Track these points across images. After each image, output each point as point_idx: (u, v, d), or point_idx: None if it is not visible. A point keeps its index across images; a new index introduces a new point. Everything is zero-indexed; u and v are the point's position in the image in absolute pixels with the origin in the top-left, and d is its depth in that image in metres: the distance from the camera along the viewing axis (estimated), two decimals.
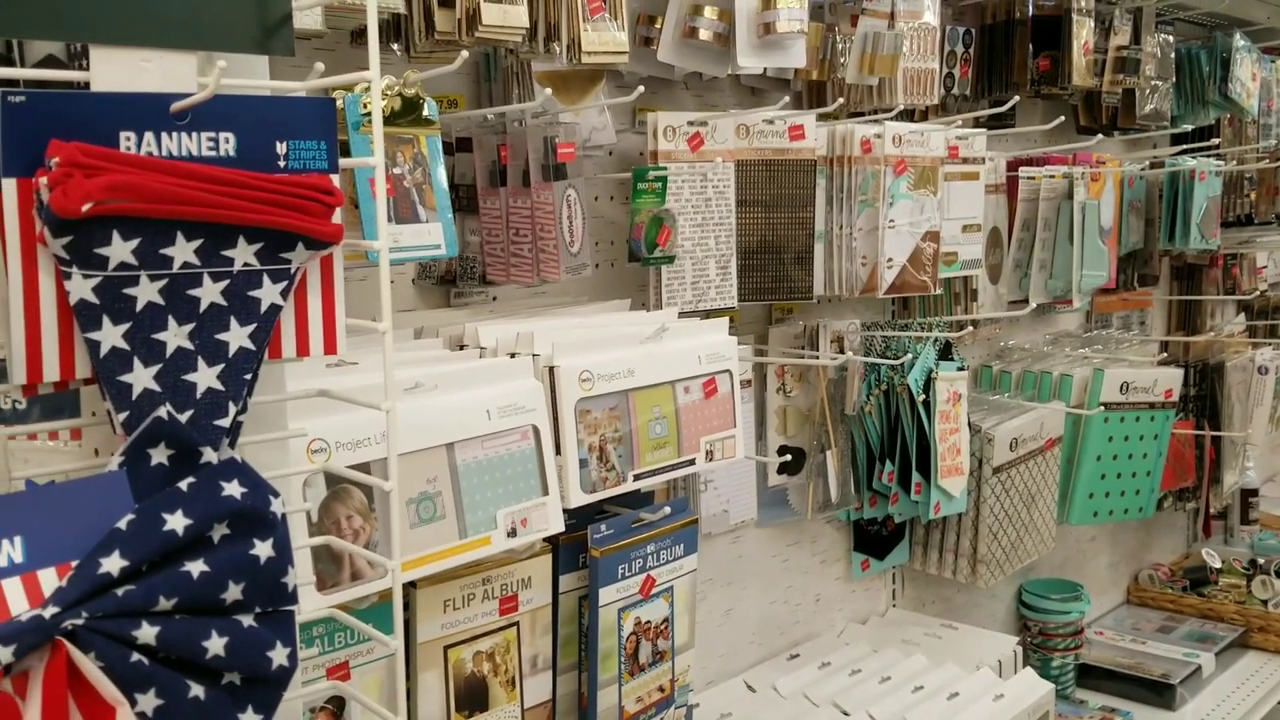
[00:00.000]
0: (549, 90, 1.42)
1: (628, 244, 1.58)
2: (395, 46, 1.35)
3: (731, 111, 1.69)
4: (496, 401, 1.25)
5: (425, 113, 1.31)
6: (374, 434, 1.13)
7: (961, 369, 2.20)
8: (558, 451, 1.33)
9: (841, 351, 2.11)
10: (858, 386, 2.12)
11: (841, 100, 1.76)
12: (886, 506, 2.21)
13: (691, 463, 1.48)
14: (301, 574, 1.06)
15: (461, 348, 1.41)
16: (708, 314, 1.68)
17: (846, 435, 2.16)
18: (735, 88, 1.95)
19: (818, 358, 2.01)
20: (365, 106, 1.24)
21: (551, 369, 1.34)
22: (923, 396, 2.11)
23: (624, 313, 1.62)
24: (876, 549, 2.39)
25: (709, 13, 1.60)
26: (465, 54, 1.23)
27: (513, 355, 1.36)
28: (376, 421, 1.14)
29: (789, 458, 2.07)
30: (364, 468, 1.12)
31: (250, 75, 0.94)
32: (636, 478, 1.41)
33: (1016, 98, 2.08)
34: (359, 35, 1.37)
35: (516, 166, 1.50)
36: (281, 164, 0.85)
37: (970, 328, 2.17)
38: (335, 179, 0.87)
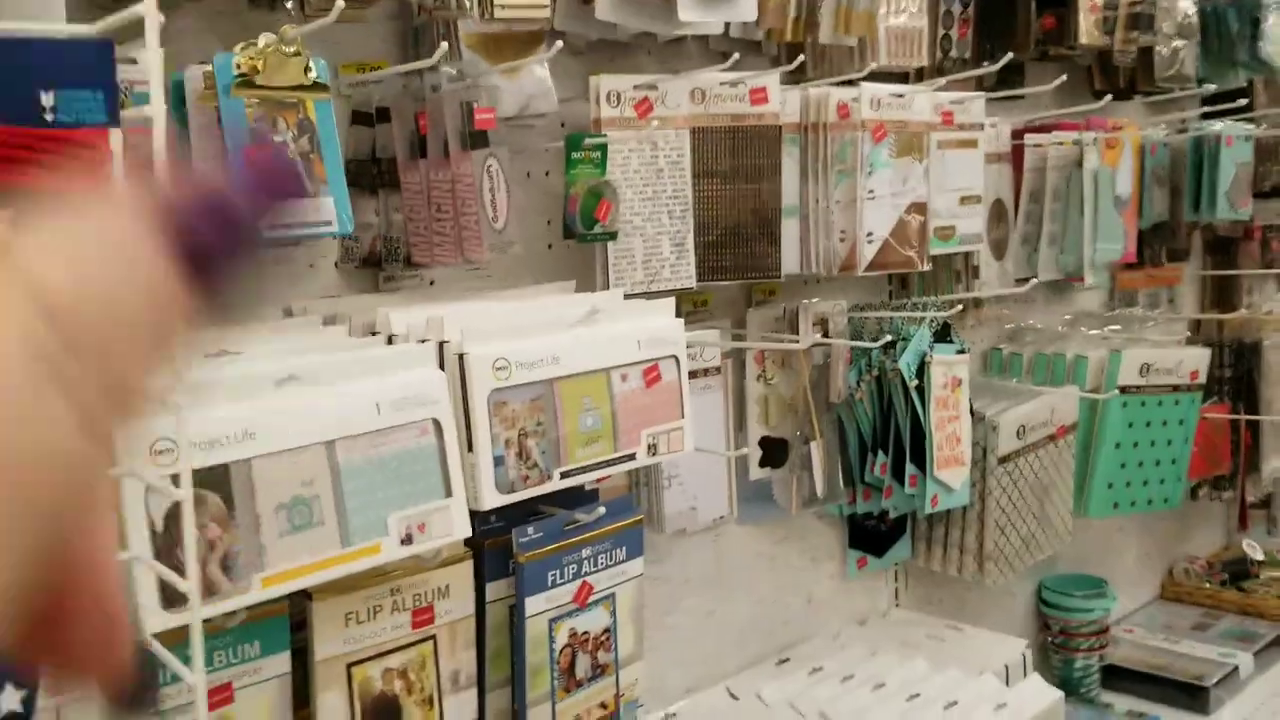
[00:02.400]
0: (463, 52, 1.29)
1: (564, 220, 1.44)
2: (289, 3, 1.23)
3: (683, 74, 1.55)
4: (389, 394, 1.12)
5: (312, 74, 1.18)
6: (234, 432, 1.01)
7: (962, 351, 2.04)
8: (470, 448, 1.20)
9: (826, 335, 1.96)
10: (843, 373, 1.97)
11: (802, 58, 1.60)
12: (880, 500, 2.06)
13: (631, 458, 1.34)
14: (145, 592, 0.94)
15: (374, 334, 1.29)
16: (661, 296, 1.54)
17: (834, 425, 2.01)
18: (705, 52, 1.80)
19: (797, 342, 1.86)
20: (240, 67, 1.12)
21: (461, 356, 1.21)
22: (915, 382, 1.96)
23: (564, 295, 1.49)
24: (874, 545, 2.24)
25: None
26: (340, 3, 1.10)
27: (423, 341, 1.23)
28: (239, 418, 1.02)
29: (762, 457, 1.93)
30: (222, 471, 1.00)
31: (44, 14, 0.82)
32: (564, 475, 1.28)
33: (1010, 55, 1.91)
34: None
35: (436, 136, 1.37)
36: (48, 117, 0.73)
37: (960, 307, 2.00)
38: (116, 134, 0.75)
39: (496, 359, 1.22)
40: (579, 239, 1.44)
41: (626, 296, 1.48)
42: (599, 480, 1.36)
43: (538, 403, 1.25)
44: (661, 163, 1.56)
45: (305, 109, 1.18)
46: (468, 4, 1.27)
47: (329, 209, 1.19)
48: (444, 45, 1.23)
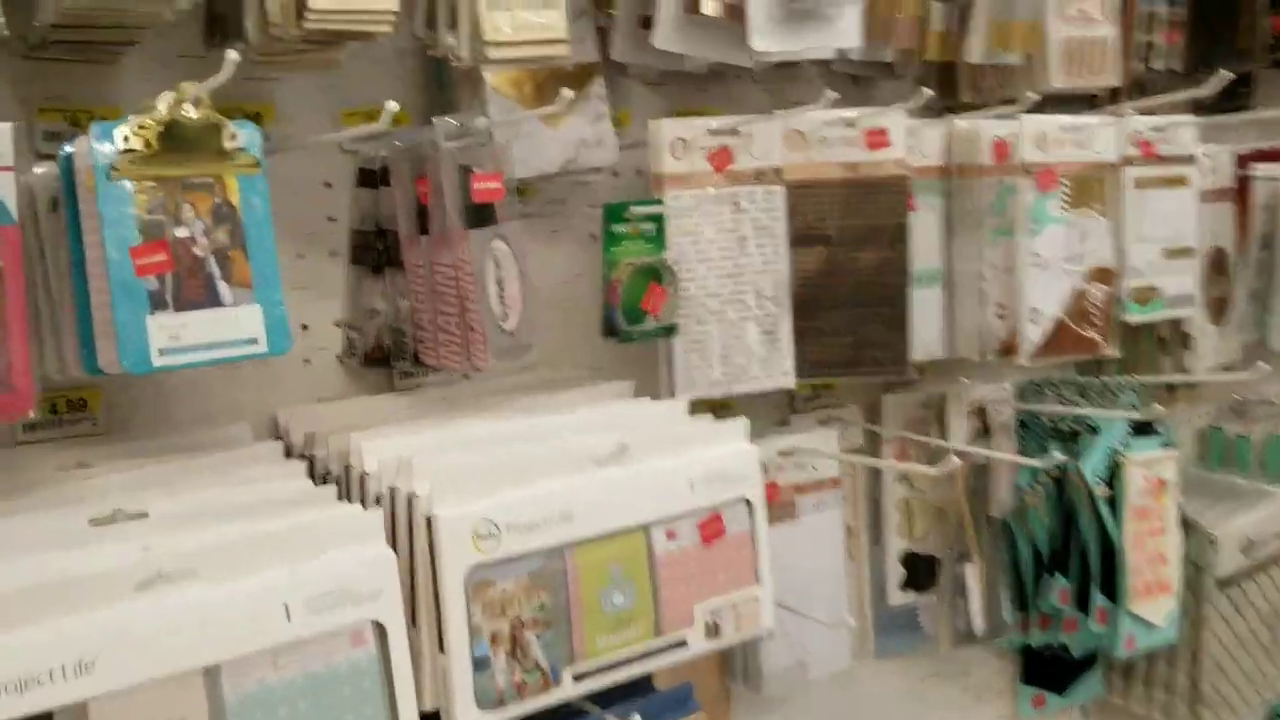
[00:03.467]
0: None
1: (602, 312, 1.10)
2: (235, 51, 0.93)
3: (776, 113, 1.18)
4: (304, 588, 0.80)
5: (236, 141, 0.87)
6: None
7: (1169, 445, 1.59)
8: (441, 648, 0.88)
9: (985, 428, 1.55)
10: (1009, 477, 1.55)
11: (929, 92, 1.21)
12: (1058, 633, 1.62)
13: (680, 645, 0.99)
14: None
15: (324, 478, 0.98)
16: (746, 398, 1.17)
17: (999, 536, 1.59)
18: (828, 76, 1.42)
19: (945, 442, 1.46)
20: (126, 139, 0.82)
21: (429, 521, 0.88)
22: (1106, 491, 1.52)
23: (619, 402, 1.15)
24: (1055, 679, 1.80)
25: None
26: (234, 55, 0.79)
27: (378, 500, 0.91)
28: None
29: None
30: None
31: None
32: (580, 677, 0.93)
33: (1226, 74, 1.45)
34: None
35: (438, 207, 1.05)
36: None
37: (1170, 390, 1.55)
38: None
39: (479, 522, 0.89)
40: (620, 338, 1.09)
41: (696, 404, 1.13)
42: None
43: (540, 579, 0.92)
44: (746, 228, 1.20)
45: (223, 189, 0.88)
46: (452, 42, 0.94)
47: (253, 322, 0.88)
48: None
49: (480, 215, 1.00)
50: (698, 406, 1.14)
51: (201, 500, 0.87)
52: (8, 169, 0.79)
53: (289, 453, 1.08)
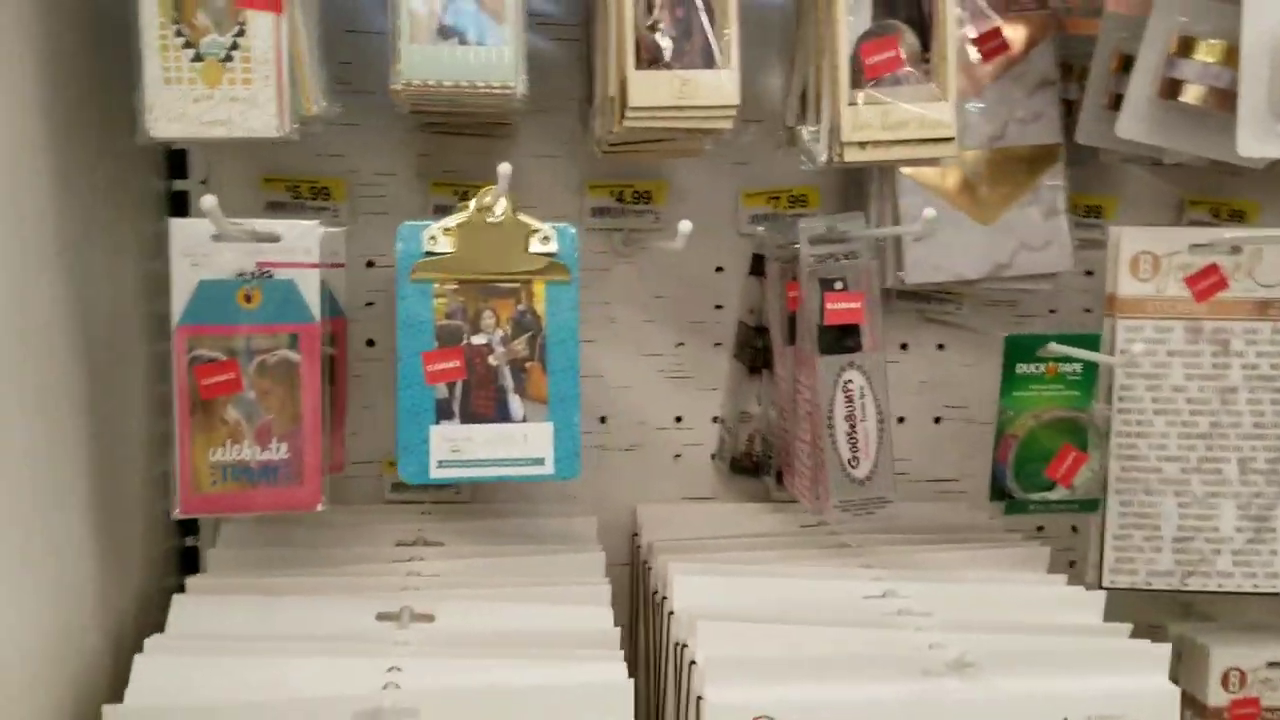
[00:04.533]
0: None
1: (991, 471, 0.87)
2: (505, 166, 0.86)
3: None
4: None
5: (549, 246, 0.80)
6: None
7: None
8: None
9: None
10: None
11: None
12: None
13: None
14: None
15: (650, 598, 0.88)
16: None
17: None
18: None
19: None
20: (433, 239, 0.79)
21: (698, 701, 0.75)
22: None
23: (1018, 577, 0.92)
24: None
25: (1204, 53, 0.81)
26: (506, 167, 0.71)
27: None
28: None
29: None
30: None
31: None
32: None
33: None
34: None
35: (804, 318, 0.90)
36: None
37: None
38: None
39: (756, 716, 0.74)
40: (1008, 509, 0.86)
41: (1126, 598, 0.86)
42: None
43: None
44: (1236, 377, 0.89)
45: (529, 297, 0.81)
46: (808, 136, 0.78)
47: (542, 441, 0.81)
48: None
49: (833, 339, 0.83)
50: (1127, 603, 0.87)
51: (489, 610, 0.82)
52: (312, 266, 0.78)
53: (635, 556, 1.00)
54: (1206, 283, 0.88)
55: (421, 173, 1.04)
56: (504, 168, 0.74)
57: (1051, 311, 1.09)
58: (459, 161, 1.03)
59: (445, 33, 0.79)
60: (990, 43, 0.96)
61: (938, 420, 1.11)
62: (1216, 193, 1.10)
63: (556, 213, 1.04)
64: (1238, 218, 1.10)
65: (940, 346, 1.10)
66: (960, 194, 0.96)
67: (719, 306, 1.08)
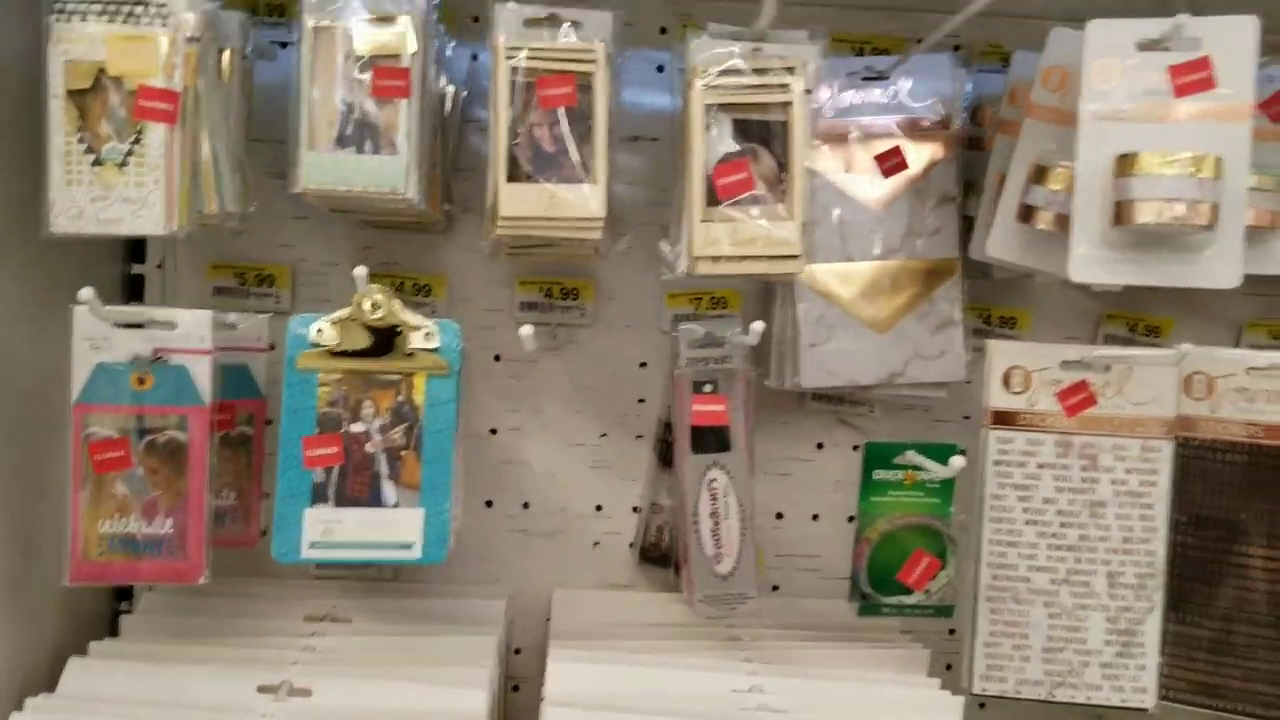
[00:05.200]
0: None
1: (851, 574, 0.90)
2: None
3: (1181, 348, 0.87)
4: None
5: (426, 341, 0.86)
6: None
7: None
8: None
9: None
10: None
11: None
12: None
13: None
14: None
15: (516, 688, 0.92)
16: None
17: None
18: None
19: None
20: (320, 332, 0.86)
21: None
22: None
23: (894, 679, 0.94)
24: None
25: (1054, 180, 0.84)
26: (361, 270, 0.77)
27: None
28: None
29: None
30: None
31: None
32: None
33: None
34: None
35: (682, 418, 0.94)
36: None
37: None
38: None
39: None
40: (862, 610, 0.88)
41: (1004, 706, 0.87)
42: None
43: None
44: (1105, 490, 0.91)
45: (409, 389, 0.86)
46: (665, 253, 0.83)
47: (412, 527, 0.86)
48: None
49: (701, 440, 0.87)
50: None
51: (367, 688, 0.86)
52: (205, 352, 0.84)
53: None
54: (1076, 398, 0.90)
55: (362, 264, 1.10)
56: (359, 271, 0.80)
57: (966, 418, 1.11)
58: (399, 254, 1.10)
59: (343, 141, 0.86)
60: (890, 161, 1.00)
61: (850, 519, 1.13)
62: (1132, 307, 1.12)
63: (488, 306, 1.11)
64: (1153, 333, 1.11)
65: (855, 448, 1.13)
66: (857, 302, 1.00)
67: (642, 400, 1.12)
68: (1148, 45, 0.78)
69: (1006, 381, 0.92)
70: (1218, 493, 0.91)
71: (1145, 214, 0.75)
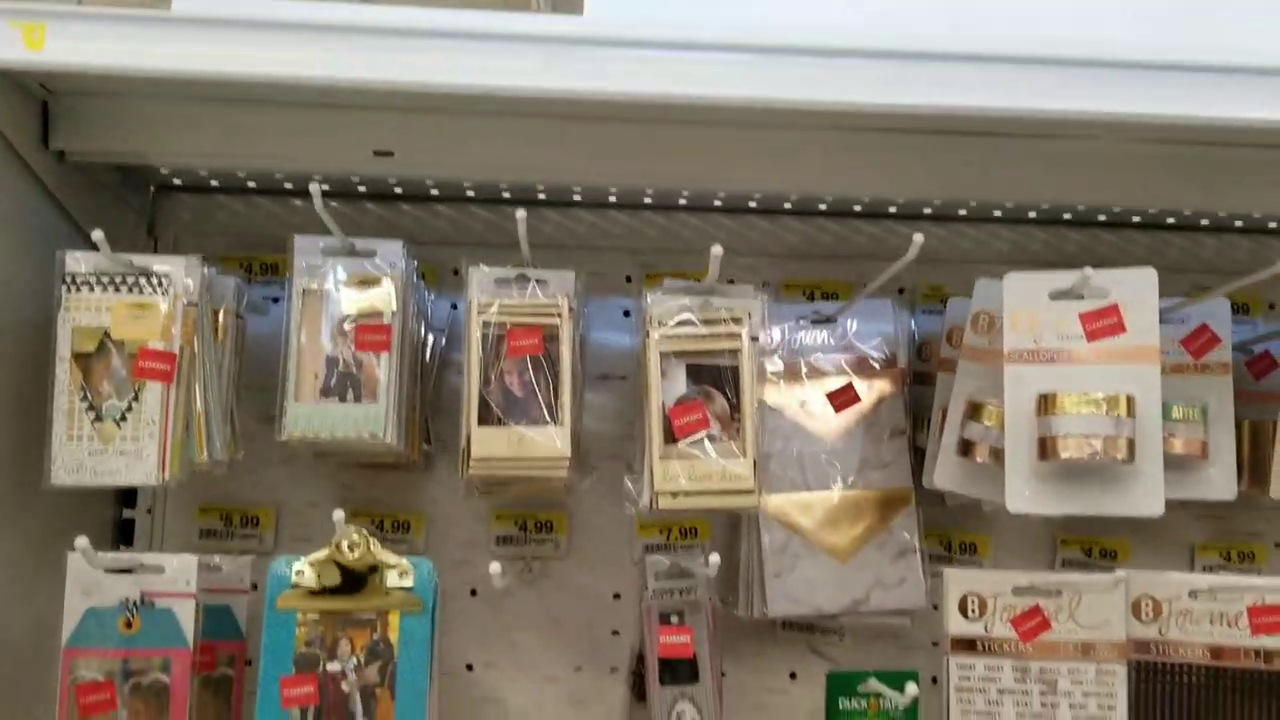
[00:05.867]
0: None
1: None
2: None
3: (1120, 572, 0.92)
4: None
5: (401, 580, 0.90)
6: None
7: None
8: None
9: None
10: None
11: None
12: None
13: None
14: None
15: None
16: None
17: None
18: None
19: None
20: (300, 573, 0.89)
21: None
22: None
23: None
24: None
25: (986, 417, 0.91)
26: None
27: None
28: None
29: None
30: None
31: None
32: None
33: None
34: None
35: (651, 650, 0.97)
36: None
37: None
38: None
39: None
40: None
41: None
42: None
43: None
44: (1064, 714, 0.93)
45: (384, 627, 0.90)
46: (629, 489, 0.88)
47: None
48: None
49: (669, 672, 0.90)
50: None
51: None
52: (189, 595, 0.88)
53: None
54: (1031, 623, 0.94)
55: (344, 504, 1.15)
56: (338, 514, 0.85)
57: (934, 644, 1.14)
58: (378, 493, 1.15)
59: (328, 392, 0.92)
60: (842, 397, 1.07)
61: None
62: (1088, 531, 1.16)
63: (464, 539, 1.15)
64: (1109, 556, 1.15)
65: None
66: (818, 532, 1.04)
67: (616, 632, 1.15)
68: (1060, 295, 0.86)
69: (964, 608, 0.95)
70: (1177, 716, 0.93)
71: (1067, 449, 0.81)
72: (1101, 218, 1.14)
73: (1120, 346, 0.84)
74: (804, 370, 1.08)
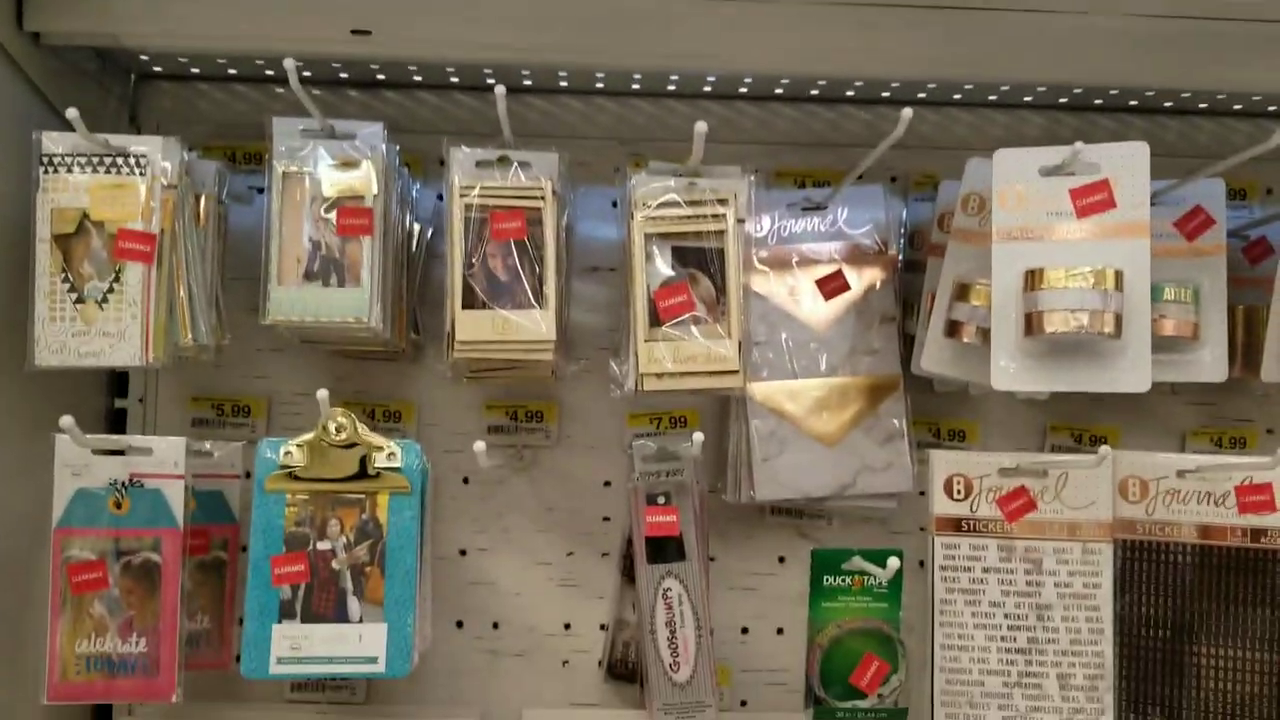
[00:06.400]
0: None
1: (805, 682, 0.92)
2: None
3: (1103, 450, 0.92)
4: None
5: (389, 461, 0.90)
6: None
7: None
8: None
9: None
10: None
11: None
12: None
13: None
14: None
15: None
16: None
17: None
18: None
19: None
20: (288, 454, 0.90)
21: None
22: None
23: None
24: None
25: (975, 297, 0.90)
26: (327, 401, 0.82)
27: None
28: None
29: None
30: None
31: None
32: None
33: None
34: None
35: (638, 531, 0.98)
36: None
37: None
38: None
39: None
40: (817, 715, 0.90)
41: None
42: None
43: None
44: (1049, 593, 0.94)
45: (373, 507, 0.90)
46: (616, 373, 0.88)
47: (376, 641, 0.88)
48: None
49: (655, 550, 0.91)
50: None
51: None
52: (178, 477, 0.88)
53: None
54: (1016, 504, 0.94)
55: (335, 394, 1.15)
56: (321, 394, 0.85)
57: (921, 529, 1.14)
58: (369, 383, 1.15)
59: (310, 275, 0.92)
60: (831, 284, 1.06)
61: None
62: (1077, 419, 1.16)
63: (456, 429, 1.15)
64: (1099, 442, 1.15)
65: None
66: (807, 418, 1.05)
67: (607, 518, 1.16)
68: (1050, 171, 0.85)
69: (949, 489, 0.96)
70: (1164, 594, 0.94)
71: (1053, 324, 0.81)
72: (1098, 101, 1.12)
73: (1110, 222, 0.83)
74: (794, 258, 1.07)
